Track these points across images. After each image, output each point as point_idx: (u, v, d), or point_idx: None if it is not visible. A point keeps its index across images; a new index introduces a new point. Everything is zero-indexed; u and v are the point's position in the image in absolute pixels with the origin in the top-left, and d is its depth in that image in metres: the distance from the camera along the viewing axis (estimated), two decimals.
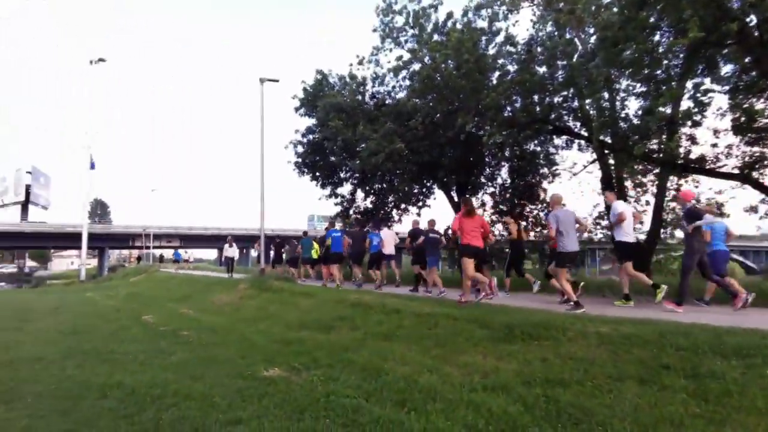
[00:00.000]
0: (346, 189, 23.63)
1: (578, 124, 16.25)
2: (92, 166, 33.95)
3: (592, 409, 4.07)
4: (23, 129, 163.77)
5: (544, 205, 19.89)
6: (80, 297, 19.41)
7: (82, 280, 33.80)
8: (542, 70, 14.83)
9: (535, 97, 14.83)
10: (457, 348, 6.12)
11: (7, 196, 64.45)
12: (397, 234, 13.96)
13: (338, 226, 17.68)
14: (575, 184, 18.60)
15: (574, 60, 13.23)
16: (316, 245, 15.81)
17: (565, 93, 14.78)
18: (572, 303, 7.56)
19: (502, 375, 5.05)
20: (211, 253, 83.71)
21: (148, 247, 55.84)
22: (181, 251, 43.45)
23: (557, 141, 18.82)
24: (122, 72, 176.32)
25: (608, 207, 9.71)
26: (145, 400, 4.81)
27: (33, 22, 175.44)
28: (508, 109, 15.62)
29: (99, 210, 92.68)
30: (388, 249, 13.02)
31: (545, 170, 19.87)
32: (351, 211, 23.45)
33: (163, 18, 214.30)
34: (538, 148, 19.39)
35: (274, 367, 6.02)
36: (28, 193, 62.70)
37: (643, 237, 15.07)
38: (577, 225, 8.10)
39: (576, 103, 15.22)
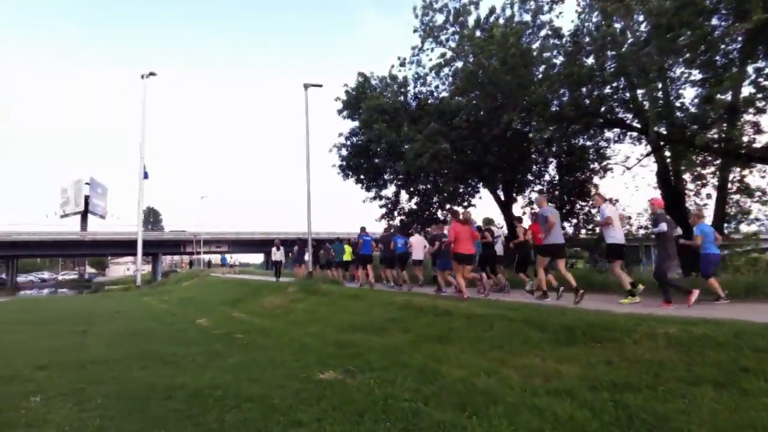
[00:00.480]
0: (390, 191, 23.61)
1: (631, 115, 15.64)
2: (145, 176, 35.08)
3: (666, 415, 3.86)
4: (82, 141, 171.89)
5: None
6: (137, 301, 20.13)
7: (138, 285, 34.98)
8: (590, 61, 14.37)
9: (584, 90, 14.38)
10: (514, 350, 5.95)
11: (68, 206, 67.85)
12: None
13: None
14: (628, 179, 17.84)
15: (624, 49, 12.74)
16: (348, 248, 16.50)
17: (615, 84, 14.29)
18: (541, 291, 8.96)
19: (565, 379, 4.86)
20: (258, 257, 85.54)
21: (198, 253, 57.45)
22: (227, 256, 45.01)
23: (608, 134, 18.20)
24: (172, 84, 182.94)
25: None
26: (208, 402, 4.87)
27: (86, 40, 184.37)
28: (556, 103, 15.21)
29: (152, 218, 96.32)
30: (417, 254, 13.28)
31: (596, 165, 19.20)
32: (395, 213, 23.41)
33: (209, 30, 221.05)
34: (588, 143, 18.75)
35: (329, 369, 6.01)
36: (87, 203, 65.84)
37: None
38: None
39: (628, 94, 14.67)
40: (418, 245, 13.25)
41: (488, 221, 12.80)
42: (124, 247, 56.26)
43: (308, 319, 10.44)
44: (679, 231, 10.29)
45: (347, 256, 16.41)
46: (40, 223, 78.27)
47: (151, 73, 34.92)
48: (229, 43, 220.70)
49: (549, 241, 8.85)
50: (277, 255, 20.39)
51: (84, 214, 66.08)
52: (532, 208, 20.89)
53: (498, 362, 5.68)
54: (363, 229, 15.20)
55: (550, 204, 10.31)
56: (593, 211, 19.16)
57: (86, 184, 65.92)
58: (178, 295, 22.29)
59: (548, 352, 5.67)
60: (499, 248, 11.74)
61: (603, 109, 14.79)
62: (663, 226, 7.80)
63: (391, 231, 15.46)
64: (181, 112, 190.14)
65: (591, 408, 4.13)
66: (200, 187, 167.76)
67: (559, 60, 15.21)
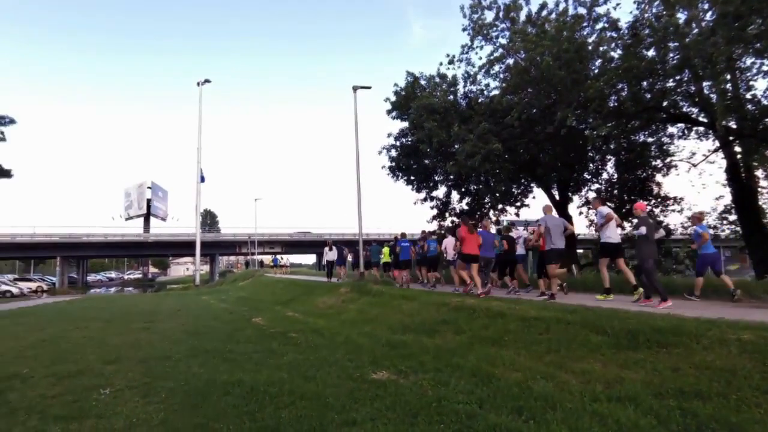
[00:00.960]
0: (441, 191, 23.42)
1: (696, 109, 14.89)
2: (202, 180, 36.43)
3: (740, 425, 3.63)
4: (145, 147, 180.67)
5: (659, 200, 18.39)
6: (196, 300, 20.87)
7: (197, 284, 36.36)
8: (651, 53, 13.75)
9: (644, 84, 13.77)
10: (572, 354, 5.75)
11: (132, 209, 71.51)
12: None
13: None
14: (694, 177, 16.96)
15: (689, 40, 12.11)
16: (386, 250, 16.98)
17: (679, 77, 13.59)
18: (548, 294, 9.52)
19: (629, 385, 4.64)
20: (310, 258, 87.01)
21: (252, 253, 59.02)
22: (278, 257, 46.17)
23: (671, 129, 17.41)
24: (226, 89, 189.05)
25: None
26: (264, 399, 4.98)
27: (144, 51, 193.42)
28: (614, 98, 14.66)
29: (209, 220, 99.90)
30: (450, 254, 13.35)
31: (658, 162, 18.37)
32: (447, 214, 23.21)
33: (261, 36, 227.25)
34: (650, 139, 18.01)
35: (382, 369, 6.02)
36: (149, 207, 69.17)
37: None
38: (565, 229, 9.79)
39: (693, 87, 13.96)
40: (451, 247, 13.30)
41: (508, 228, 13.08)
42: (183, 247, 58.60)
43: (360, 319, 10.50)
44: (661, 233, 10.40)
45: (385, 258, 16.96)
46: (107, 225, 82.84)
47: (207, 80, 36.32)
48: (279, 48, 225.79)
49: (556, 246, 9.54)
50: (330, 255, 20.29)
51: (146, 217, 69.45)
52: (589, 208, 20.27)
53: (555, 366, 5.51)
54: (403, 235, 15.95)
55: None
56: (656, 210, 18.34)
57: (148, 188, 69.25)
58: (235, 295, 22.97)
59: (609, 357, 5.44)
60: (520, 250, 12.02)
61: (666, 103, 14.14)
62: (643, 230, 8.29)
63: (425, 235, 16.03)
64: (235, 117, 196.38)
65: (657, 416, 3.94)
66: (254, 190, 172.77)
67: (616, 53, 14.65)
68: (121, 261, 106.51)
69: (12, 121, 48.20)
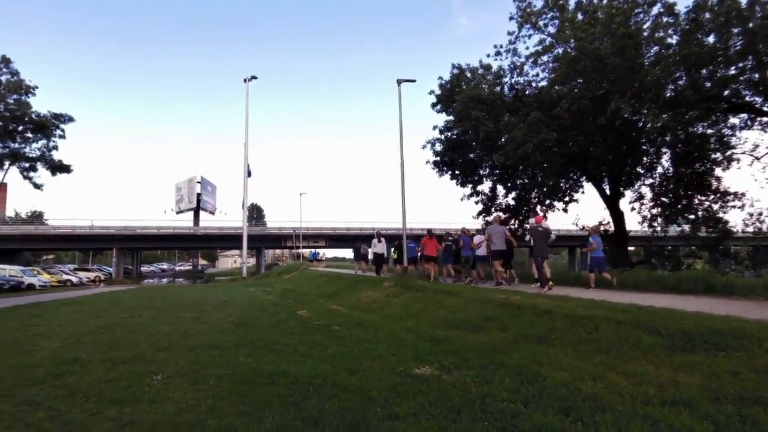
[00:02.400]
0: (486, 186, 23.03)
1: (761, 99, 14.00)
2: (249, 174, 37.25)
3: None
4: (195, 143, 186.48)
5: (718, 195, 17.47)
6: (244, 292, 21.36)
7: (244, 276, 37.30)
8: (711, 39, 13.04)
9: (704, 72, 13.06)
10: (623, 355, 5.55)
11: (183, 203, 73.91)
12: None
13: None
14: (757, 170, 16.01)
15: (753, 24, 11.41)
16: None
17: (741, 64, 12.83)
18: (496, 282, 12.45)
19: (684, 389, 4.44)
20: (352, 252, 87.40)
21: (297, 247, 59.92)
22: (317, 251, 46.80)
23: (733, 120, 16.49)
24: (273, 85, 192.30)
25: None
26: (308, 390, 5.05)
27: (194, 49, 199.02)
28: (671, 87, 13.98)
29: (255, 214, 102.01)
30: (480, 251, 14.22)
31: (718, 155, 17.40)
32: (492, 209, 22.82)
33: (306, 32, 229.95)
34: (709, 130, 17.09)
35: (425, 365, 5.99)
36: (198, 201, 71.33)
37: None
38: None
39: (757, 75, 13.15)
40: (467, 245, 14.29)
41: (472, 235, 14.74)
42: (230, 240, 60.14)
43: (404, 314, 10.48)
44: (552, 238, 11.79)
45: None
46: (160, 218, 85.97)
47: (253, 77, 37.05)
48: (324, 43, 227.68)
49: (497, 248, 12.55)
50: (378, 247, 19.32)
51: (196, 211, 71.66)
52: (642, 204, 19.47)
53: (605, 367, 5.32)
54: (429, 231, 16.52)
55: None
56: (715, 206, 17.45)
57: (198, 182, 71.41)
58: (280, 287, 23.38)
59: (663, 359, 5.22)
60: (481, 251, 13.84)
61: (727, 92, 13.38)
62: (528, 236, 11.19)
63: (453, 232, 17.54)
64: (282, 112, 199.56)
65: (714, 422, 3.76)
66: (299, 184, 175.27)
67: (674, 40, 13.95)
68: (172, 253, 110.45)
69: (71, 119, 50.98)
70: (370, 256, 20.30)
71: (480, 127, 17.70)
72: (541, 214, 19.60)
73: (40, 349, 7.71)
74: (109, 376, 5.79)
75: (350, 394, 4.88)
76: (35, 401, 4.86)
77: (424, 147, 22.93)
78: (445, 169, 22.57)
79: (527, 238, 11.76)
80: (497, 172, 20.99)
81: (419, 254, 16.94)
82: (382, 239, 19.47)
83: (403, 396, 4.79)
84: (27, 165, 50.15)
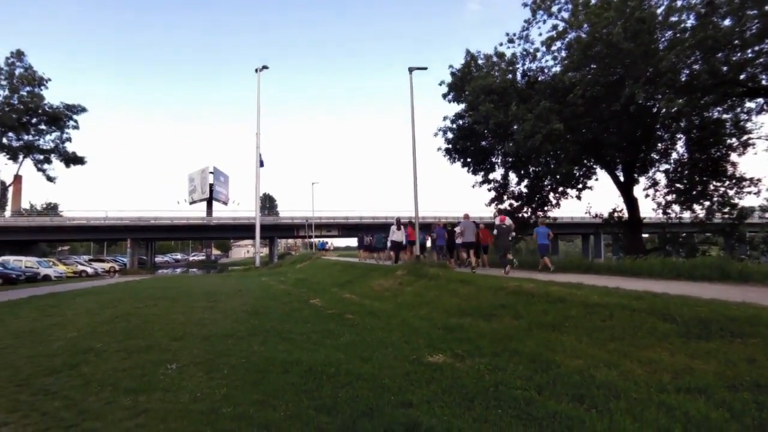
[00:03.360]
0: (498, 173, 22.86)
1: None
2: (261, 164, 37.44)
3: None
4: (207, 134, 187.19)
5: (734, 181, 17.18)
6: (257, 281, 21.52)
7: (257, 266, 37.60)
8: (727, 23, 12.74)
9: (720, 55, 12.78)
10: (637, 342, 5.49)
11: (195, 193, 74.44)
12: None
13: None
14: None
15: None
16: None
17: (758, 47, 12.54)
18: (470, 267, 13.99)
19: (699, 376, 4.39)
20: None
21: (310, 236, 60.07)
22: (324, 241, 47.20)
23: (749, 104, 16.17)
24: (284, 74, 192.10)
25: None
26: (322, 378, 5.08)
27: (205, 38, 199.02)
28: (686, 72, 13.71)
29: (267, 203, 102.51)
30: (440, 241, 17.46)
31: (734, 140, 17.09)
32: (505, 197, 22.66)
33: (313, 19, 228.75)
34: (725, 115, 16.74)
35: (438, 353, 5.99)
36: (211, 191, 71.79)
37: None
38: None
39: None
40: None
41: (453, 225, 16.71)
42: (244, 230, 60.43)
43: (417, 302, 10.48)
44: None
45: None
46: (173, 209, 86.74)
47: (264, 67, 37.12)
48: (334, 31, 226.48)
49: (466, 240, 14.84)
50: (398, 235, 18.36)
51: (209, 201, 72.15)
52: (656, 190, 19.19)
53: (619, 354, 5.28)
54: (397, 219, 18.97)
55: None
56: (730, 192, 17.18)
57: (210, 173, 71.84)
58: (293, 276, 23.52)
59: (678, 346, 5.16)
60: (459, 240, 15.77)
61: (743, 76, 13.08)
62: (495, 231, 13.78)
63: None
64: (293, 101, 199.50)
65: (730, 409, 3.73)
66: (311, 173, 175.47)
67: (689, 23, 13.67)
68: (185, 243, 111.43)
69: (84, 110, 51.32)
70: (389, 244, 20.01)
71: (490, 118, 17.55)
72: (497, 217, 19.89)
73: (56, 339, 7.82)
74: (124, 366, 5.86)
75: (363, 382, 4.89)
76: (51, 390, 4.93)
77: (435, 135, 22.80)
78: (456, 156, 22.43)
79: (494, 232, 14.02)
80: (509, 159, 20.83)
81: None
82: (401, 227, 18.75)
83: (416, 384, 4.80)
84: (41, 157, 50.65)
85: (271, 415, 4.07)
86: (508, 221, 13.80)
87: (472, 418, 3.89)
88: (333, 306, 11.27)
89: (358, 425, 3.76)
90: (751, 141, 16.78)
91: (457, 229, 15.57)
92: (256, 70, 37.06)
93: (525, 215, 22.67)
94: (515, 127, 17.13)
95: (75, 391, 4.88)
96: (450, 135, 22.15)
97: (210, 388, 4.88)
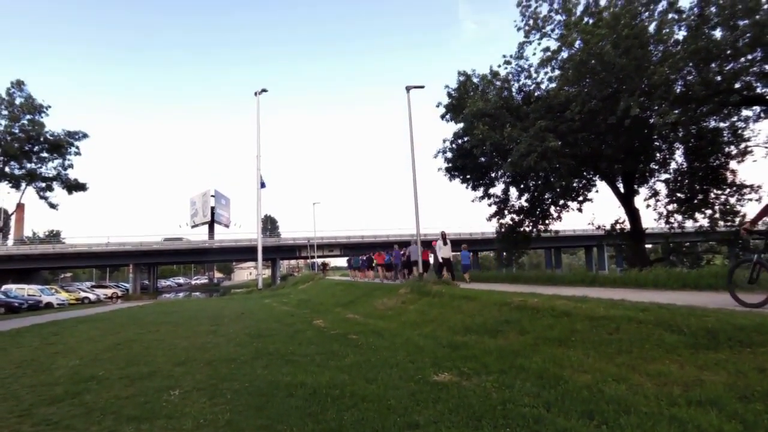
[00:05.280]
0: (498, 189, 22.98)
1: None
2: (262, 185, 37.54)
3: None
4: (208, 157, 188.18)
5: (734, 189, 17.19)
6: (259, 303, 21.45)
7: (260, 288, 37.46)
8: (718, 33, 12.88)
9: (713, 66, 12.88)
10: (645, 355, 5.42)
11: (197, 217, 74.72)
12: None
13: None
14: None
15: (760, 16, 11.27)
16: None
17: (751, 56, 12.65)
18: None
19: (709, 388, 4.31)
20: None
21: (312, 257, 60.05)
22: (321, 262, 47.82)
23: (746, 112, 16.25)
24: (282, 95, 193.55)
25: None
26: (327, 400, 5.01)
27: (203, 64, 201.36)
28: (680, 83, 13.81)
29: (269, 225, 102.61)
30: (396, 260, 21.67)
31: (732, 148, 17.16)
32: (506, 211, 22.71)
33: (313, 39, 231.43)
34: (722, 124, 16.87)
35: (444, 371, 5.92)
36: (213, 214, 72.03)
37: None
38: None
39: (767, 66, 12.91)
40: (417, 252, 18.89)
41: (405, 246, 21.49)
42: (246, 252, 60.51)
43: (421, 321, 10.42)
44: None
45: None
46: (175, 233, 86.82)
47: (263, 90, 37.52)
48: (331, 51, 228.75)
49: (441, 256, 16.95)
50: (445, 251, 16.43)
51: (211, 224, 72.37)
52: (657, 200, 19.17)
53: (627, 368, 5.21)
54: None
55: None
56: (732, 200, 17.17)
57: (212, 196, 72.17)
58: (296, 297, 23.45)
59: (687, 358, 5.09)
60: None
61: (738, 85, 13.16)
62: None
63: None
64: (292, 122, 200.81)
65: (742, 421, 3.64)
66: (312, 194, 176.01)
67: (681, 36, 13.82)
68: (188, 267, 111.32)
69: (85, 136, 51.70)
70: (431, 261, 19.40)
71: (486, 140, 17.71)
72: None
73: (58, 367, 7.76)
74: (126, 393, 5.79)
75: (369, 403, 4.82)
76: (53, 420, 4.87)
77: (435, 156, 23.00)
78: (456, 174, 22.59)
79: (431, 252, 18.67)
80: (509, 175, 20.91)
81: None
82: (448, 241, 16.73)
83: (422, 404, 4.73)
84: (43, 185, 50.87)
85: None
86: (440, 243, 16.75)
87: None
88: (336, 327, 11.20)
89: None
90: (749, 148, 16.84)
91: (408, 251, 20.10)
92: (256, 93, 37.46)
93: (526, 229, 22.66)
94: (511, 146, 17.25)
95: (77, 420, 4.81)
96: (449, 155, 22.31)
97: (213, 414, 4.81)
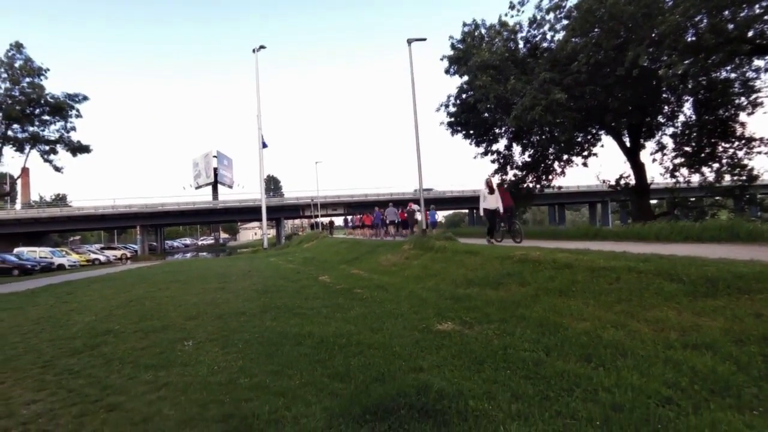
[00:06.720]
0: (501, 144, 22.76)
1: None
2: (264, 145, 37.34)
3: None
4: (209, 117, 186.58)
5: (744, 142, 16.98)
6: (265, 262, 21.74)
7: (265, 247, 37.83)
8: None
9: (726, 13, 12.48)
10: (644, 303, 5.52)
11: (200, 178, 74.70)
12: None
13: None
14: None
15: None
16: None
17: (766, 3, 12.24)
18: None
19: (706, 332, 4.43)
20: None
21: (316, 216, 60.26)
22: (324, 219, 48.31)
23: (758, 63, 15.80)
24: (282, 52, 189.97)
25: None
26: (334, 348, 5.20)
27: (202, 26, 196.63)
28: (691, 32, 13.40)
29: (272, 185, 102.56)
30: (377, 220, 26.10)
31: (742, 100, 16.82)
32: (508, 167, 22.58)
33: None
34: (732, 75, 16.45)
35: (447, 321, 6.09)
36: (216, 175, 71.96)
37: None
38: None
39: None
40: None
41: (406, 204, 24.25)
42: (250, 213, 60.89)
43: (424, 275, 10.58)
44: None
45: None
46: (180, 194, 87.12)
47: (261, 47, 36.77)
48: (331, 5, 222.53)
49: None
50: (491, 201, 13.05)
51: (214, 185, 72.44)
52: (664, 154, 19.01)
53: (626, 315, 5.33)
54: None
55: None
56: (740, 153, 16.99)
57: (214, 157, 71.96)
58: (301, 256, 23.72)
59: (685, 305, 5.18)
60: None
61: (751, 33, 12.77)
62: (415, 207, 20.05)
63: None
64: (293, 79, 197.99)
65: (736, 362, 3.77)
66: (314, 152, 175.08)
67: None
68: (194, 228, 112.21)
69: (85, 98, 51.19)
70: (422, 218, 19.36)
71: (489, 92, 17.39)
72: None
73: (75, 323, 8.01)
74: (142, 345, 6.01)
75: (375, 350, 5.00)
76: (75, 369, 5.09)
77: (438, 110, 22.67)
78: (459, 129, 22.32)
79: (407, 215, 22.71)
80: (512, 130, 20.68)
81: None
82: (495, 189, 13.41)
83: (426, 350, 4.90)
84: (47, 148, 50.74)
85: (286, 383, 4.19)
86: (415, 206, 20.70)
87: (481, 379, 3.98)
88: (342, 282, 11.40)
89: (371, 389, 3.86)
90: (760, 100, 16.52)
91: (386, 212, 24.61)
92: (254, 51, 36.76)
93: (530, 185, 22.59)
94: (515, 101, 16.96)
95: (97, 370, 5.03)
96: (452, 109, 21.99)
97: (226, 361, 5.01)
